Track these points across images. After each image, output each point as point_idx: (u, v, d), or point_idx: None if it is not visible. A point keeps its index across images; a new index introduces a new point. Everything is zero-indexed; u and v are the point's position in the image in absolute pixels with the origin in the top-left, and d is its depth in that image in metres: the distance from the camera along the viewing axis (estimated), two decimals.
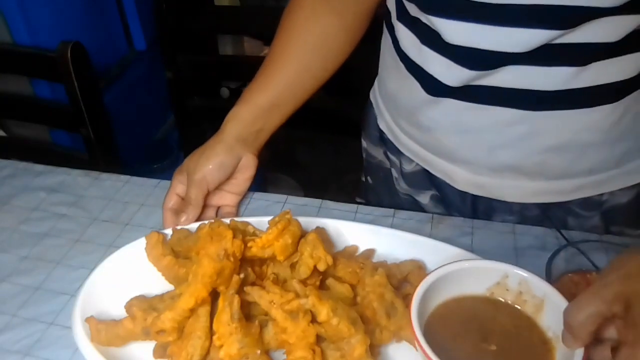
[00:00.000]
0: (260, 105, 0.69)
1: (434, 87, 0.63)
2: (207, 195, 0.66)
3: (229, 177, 0.68)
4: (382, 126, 0.80)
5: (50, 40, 1.09)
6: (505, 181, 0.67)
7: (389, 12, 0.70)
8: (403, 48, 0.67)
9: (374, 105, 0.82)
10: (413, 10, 0.62)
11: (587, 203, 0.68)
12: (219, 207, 0.70)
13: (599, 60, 0.56)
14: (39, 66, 1.08)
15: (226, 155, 0.66)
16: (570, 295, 0.51)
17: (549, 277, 0.51)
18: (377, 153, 0.84)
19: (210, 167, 0.65)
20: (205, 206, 0.67)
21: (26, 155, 0.98)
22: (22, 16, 1.30)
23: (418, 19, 0.62)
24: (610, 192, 0.67)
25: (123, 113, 1.51)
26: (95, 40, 1.51)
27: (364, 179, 0.91)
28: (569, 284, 0.52)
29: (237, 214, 0.70)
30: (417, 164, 0.75)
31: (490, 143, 0.64)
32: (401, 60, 0.68)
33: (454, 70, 0.60)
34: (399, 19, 0.66)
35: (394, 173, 0.81)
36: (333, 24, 0.70)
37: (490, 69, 0.58)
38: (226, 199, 0.70)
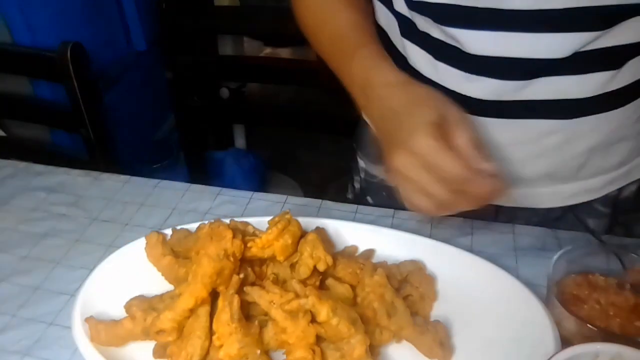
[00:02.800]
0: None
1: (457, 103, 0.59)
2: None
3: None
4: None
5: (50, 41, 1.09)
6: (539, 189, 0.65)
7: (383, 31, 0.68)
8: (414, 65, 0.63)
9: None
10: (422, 24, 0.59)
11: (607, 198, 0.67)
12: None
13: (632, 58, 0.55)
14: (39, 66, 1.08)
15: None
16: (572, 296, 0.51)
17: (550, 279, 0.51)
18: (378, 171, 0.81)
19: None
20: None
21: (26, 155, 0.98)
22: (22, 16, 1.30)
23: (428, 34, 0.59)
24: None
25: (123, 113, 1.51)
26: (95, 41, 1.51)
27: (350, 195, 0.88)
28: (571, 285, 0.52)
29: None
30: None
31: (524, 155, 0.62)
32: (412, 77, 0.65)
33: (478, 83, 0.58)
34: (405, 35, 0.63)
35: None
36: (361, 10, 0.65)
37: (523, 78, 0.56)
38: None
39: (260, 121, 1.29)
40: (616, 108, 0.58)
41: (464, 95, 0.60)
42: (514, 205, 0.68)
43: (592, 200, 0.68)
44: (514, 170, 0.64)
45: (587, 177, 0.65)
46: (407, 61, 0.65)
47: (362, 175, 0.86)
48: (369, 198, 0.85)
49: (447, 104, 0.51)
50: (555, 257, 0.52)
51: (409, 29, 0.62)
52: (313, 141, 1.95)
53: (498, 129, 0.61)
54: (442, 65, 0.60)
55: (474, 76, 0.58)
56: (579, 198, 0.67)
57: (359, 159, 0.85)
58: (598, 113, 0.58)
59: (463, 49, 0.57)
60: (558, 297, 0.50)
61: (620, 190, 0.68)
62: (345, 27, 0.62)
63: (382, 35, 0.68)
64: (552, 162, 0.62)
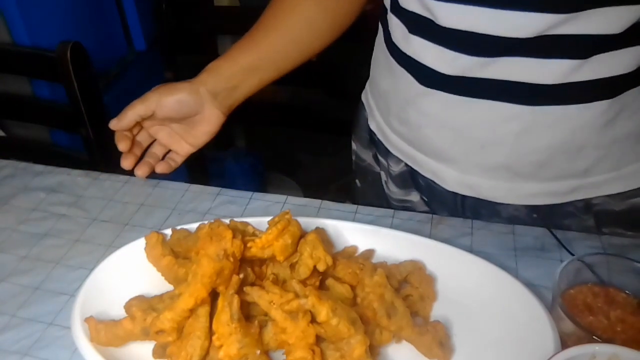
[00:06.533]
0: (241, 63, 0.70)
1: (427, 77, 0.62)
2: (157, 128, 0.70)
3: (186, 122, 0.70)
4: (372, 126, 0.79)
5: (50, 40, 1.09)
6: (498, 182, 0.66)
7: (384, 9, 0.70)
8: (394, 40, 0.66)
9: (366, 106, 0.82)
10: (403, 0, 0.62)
11: (579, 206, 0.66)
12: (168, 151, 0.73)
13: (600, 52, 0.55)
14: (39, 66, 1.08)
15: (190, 96, 0.68)
16: (584, 305, 0.50)
17: (557, 288, 0.50)
18: (367, 156, 0.83)
19: (169, 97, 0.68)
20: (154, 140, 0.72)
21: (26, 155, 0.98)
22: (22, 16, 1.30)
23: (406, 8, 0.62)
24: (603, 198, 0.66)
25: None
26: (95, 40, 1.52)
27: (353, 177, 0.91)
28: (586, 293, 0.51)
29: (180, 164, 0.74)
30: (405, 165, 0.75)
31: (483, 140, 0.63)
32: (392, 54, 0.68)
33: (447, 57, 0.59)
34: (392, 11, 0.66)
35: (383, 176, 0.80)
36: (328, 2, 0.72)
37: (488, 55, 0.57)
38: (178, 143, 0.72)
39: (260, 121, 1.29)
40: (577, 103, 0.58)
41: (432, 69, 0.61)
42: (476, 196, 0.68)
43: (572, 208, 0.66)
44: (473, 154, 0.65)
45: (549, 179, 0.64)
46: (390, 36, 0.67)
47: (354, 157, 0.87)
48: (357, 181, 0.87)
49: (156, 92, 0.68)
50: (561, 267, 0.51)
51: (394, 5, 0.65)
52: (313, 141, 1.95)
53: (460, 107, 0.62)
54: (415, 38, 0.62)
55: (444, 49, 0.59)
56: (540, 199, 0.66)
57: (352, 142, 0.87)
58: (558, 104, 0.58)
59: (436, 22, 0.58)
60: (563, 304, 0.49)
61: (594, 202, 0.66)
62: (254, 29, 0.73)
63: (383, 14, 0.72)
64: (509, 153, 0.62)
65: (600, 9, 0.52)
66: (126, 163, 0.71)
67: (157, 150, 0.74)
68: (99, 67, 1.33)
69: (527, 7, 0.53)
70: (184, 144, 0.72)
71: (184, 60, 1.44)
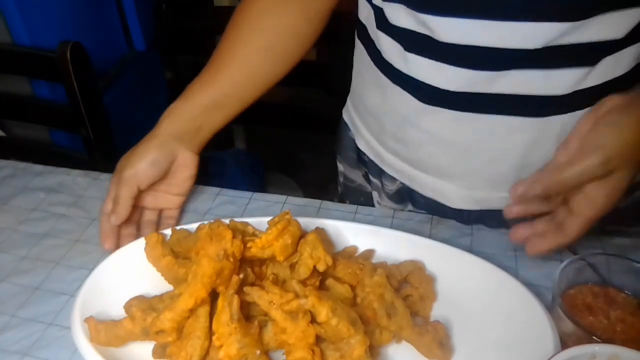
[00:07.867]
0: (201, 103, 0.66)
1: (428, 95, 0.60)
2: (141, 195, 0.64)
3: (165, 177, 0.65)
4: (361, 146, 0.76)
5: (50, 41, 1.09)
6: (506, 193, 0.64)
7: (362, 26, 0.68)
8: (386, 58, 0.64)
9: (350, 126, 0.79)
10: (392, 15, 0.60)
11: None
12: (161, 210, 0.68)
13: (606, 56, 0.54)
14: (39, 66, 1.08)
15: (159, 152, 0.63)
16: (584, 305, 0.50)
17: (557, 288, 0.50)
18: (356, 176, 0.81)
19: (142, 164, 0.62)
20: (142, 208, 0.66)
21: (26, 156, 0.98)
22: (22, 16, 1.30)
23: (397, 25, 0.60)
24: None
25: (123, 113, 1.50)
26: (95, 40, 1.51)
27: (335, 200, 0.88)
28: (586, 293, 0.51)
29: (179, 218, 0.68)
30: (401, 183, 0.73)
31: (490, 155, 0.61)
32: (384, 72, 0.65)
33: (450, 73, 0.57)
34: (380, 28, 0.63)
35: (375, 196, 0.78)
36: (284, 27, 0.68)
37: (494, 69, 0.56)
38: (166, 200, 0.67)
39: (260, 121, 1.29)
40: (585, 108, 0.57)
41: (434, 87, 0.59)
42: (483, 209, 0.66)
43: None
44: (479, 169, 0.63)
45: None
46: (381, 55, 0.64)
47: (341, 179, 0.85)
48: (347, 202, 0.85)
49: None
50: (562, 267, 0.51)
51: (382, 21, 0.62)
52: (313, 141, 1.95)
53: (467, 123, 0.60)
54: (412, 56, 0.60)
55: (445, 66, 0.57)
56: None
57: (338, 163, 0.85)
58: (567, 112, 0.57)
59: (435, 38, 0.56)
60: (563, 304, 0.49)
61: None
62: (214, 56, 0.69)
63: (361, 30, 0.69)
64: (519, 163, 0.61)
65: (607, 13, 0.51)
66: (107, 244, 0.63)
67: (149, 216, 0.67)
68: (99, 67, 1.33)
69: (533, 17, 0.51)
70: (170, 197, 0.67)
71: (184, 60, 1.44)
